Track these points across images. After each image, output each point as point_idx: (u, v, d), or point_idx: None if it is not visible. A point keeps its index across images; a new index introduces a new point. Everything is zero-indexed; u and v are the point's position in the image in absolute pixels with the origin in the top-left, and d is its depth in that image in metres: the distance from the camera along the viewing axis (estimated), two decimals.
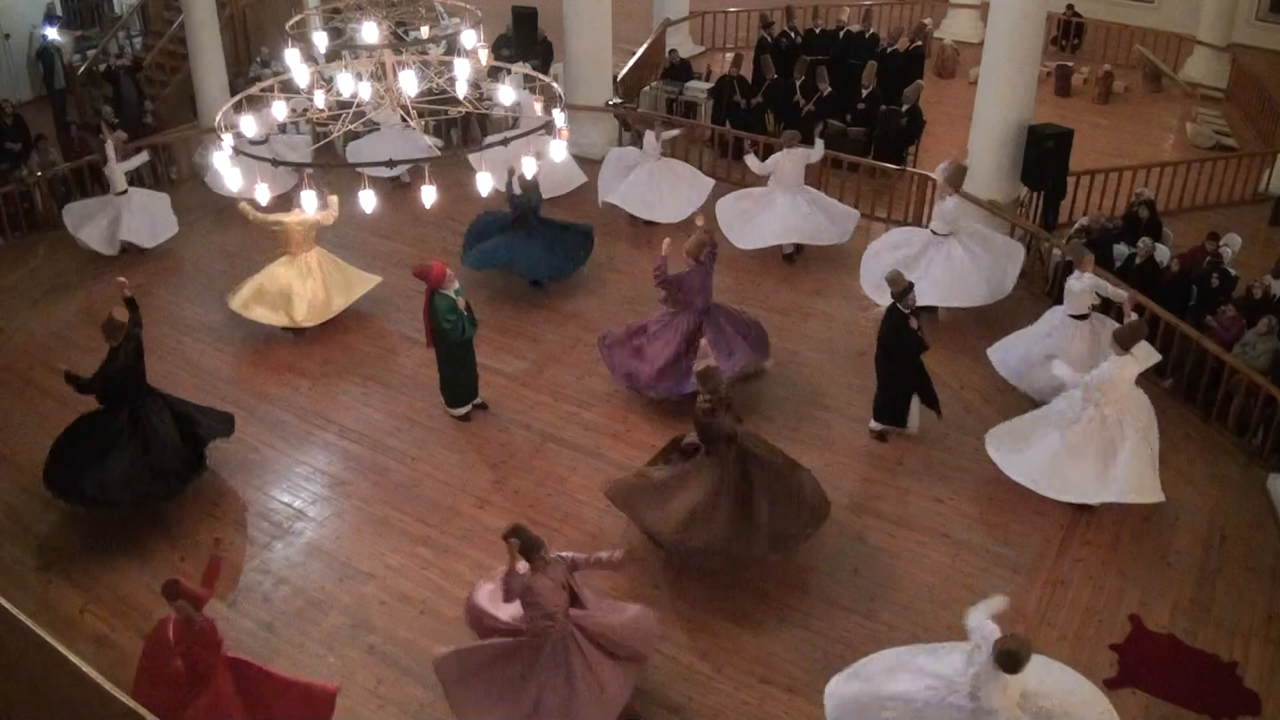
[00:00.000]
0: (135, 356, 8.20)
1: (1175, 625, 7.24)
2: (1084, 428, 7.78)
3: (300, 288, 10.23)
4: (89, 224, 11.64)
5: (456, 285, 8.83)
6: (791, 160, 11.33)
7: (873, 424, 9.07)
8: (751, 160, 11.56)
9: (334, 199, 10.25)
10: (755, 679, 6.84)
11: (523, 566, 6.02)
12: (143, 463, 7.95)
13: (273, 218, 10.03)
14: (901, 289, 8.46)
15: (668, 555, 7.64)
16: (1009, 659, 5.34)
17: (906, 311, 8.46)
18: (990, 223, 11.28)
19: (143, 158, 12.28)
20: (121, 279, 8.62)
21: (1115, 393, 7.71)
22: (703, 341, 8.97)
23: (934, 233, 10.32)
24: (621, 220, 12.36)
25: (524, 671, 6.05)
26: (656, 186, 11.98)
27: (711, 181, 12.26)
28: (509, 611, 6.38)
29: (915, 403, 8.89)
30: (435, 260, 9.05)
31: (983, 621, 5.60)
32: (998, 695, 5.42)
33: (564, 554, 6.27)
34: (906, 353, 8.60)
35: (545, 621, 6.02)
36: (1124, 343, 7.63)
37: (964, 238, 10.26)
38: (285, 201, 10.58)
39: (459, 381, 9.22)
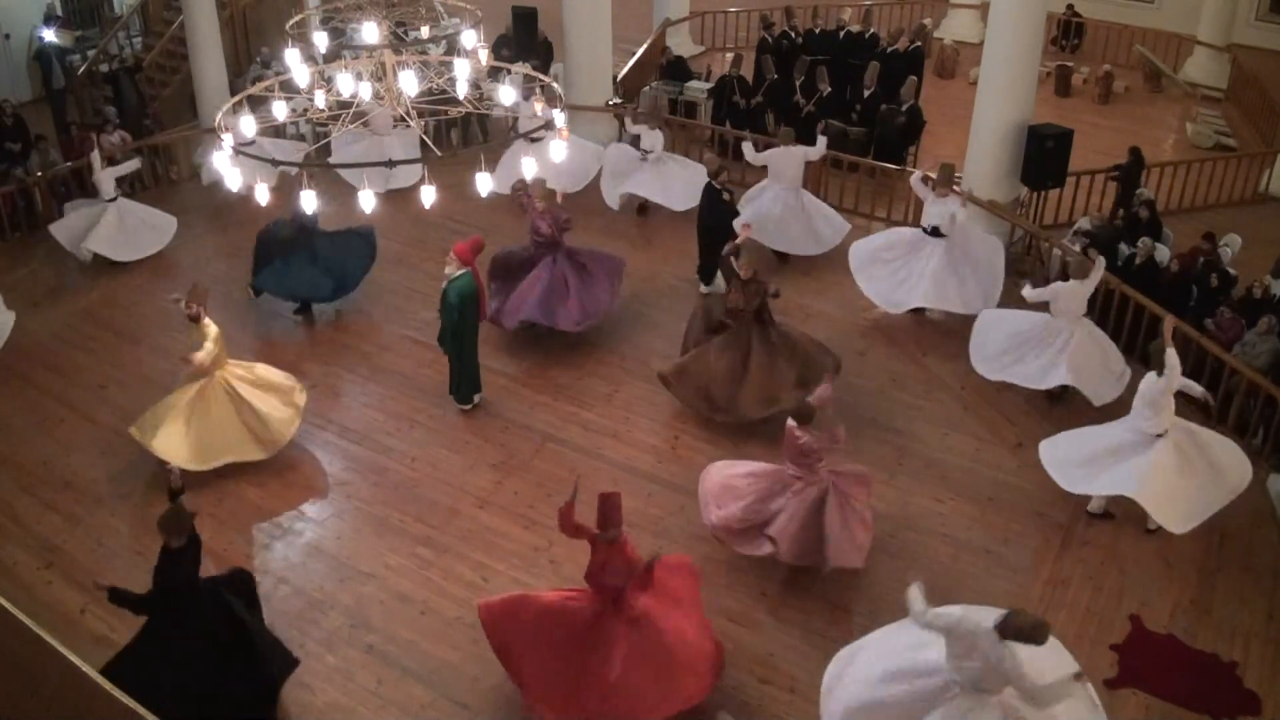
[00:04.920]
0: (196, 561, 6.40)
1: (1175, 625, 7.24)
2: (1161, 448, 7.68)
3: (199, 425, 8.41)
4: (69, 226, 11.55)
5: (448, 269, 8.94)
6: (789, 158, 11.34)
7: (704, 287, 10.82)
8: (748, 149, 11.66)
9: (211, 335, 8.33)
10: (755, 679, 6.84)
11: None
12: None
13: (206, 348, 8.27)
14: (715, 169, 10.58)
15: None
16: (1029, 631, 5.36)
17: (718, 188, 10.54)
18: (990, 223, 11.30)
19: (134, 164, 12.04)
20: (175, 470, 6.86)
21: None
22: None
23: (935, 233, 10.33)
24: (622, 221, 12.35)
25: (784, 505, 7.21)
26: (663, 176, 12.16)
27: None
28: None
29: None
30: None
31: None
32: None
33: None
34: (721, 221, 10.38)
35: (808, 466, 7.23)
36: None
37: (955, 245, 10.29)
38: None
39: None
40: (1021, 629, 5.34)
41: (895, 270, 10.36)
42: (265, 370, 8.87)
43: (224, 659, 6.25)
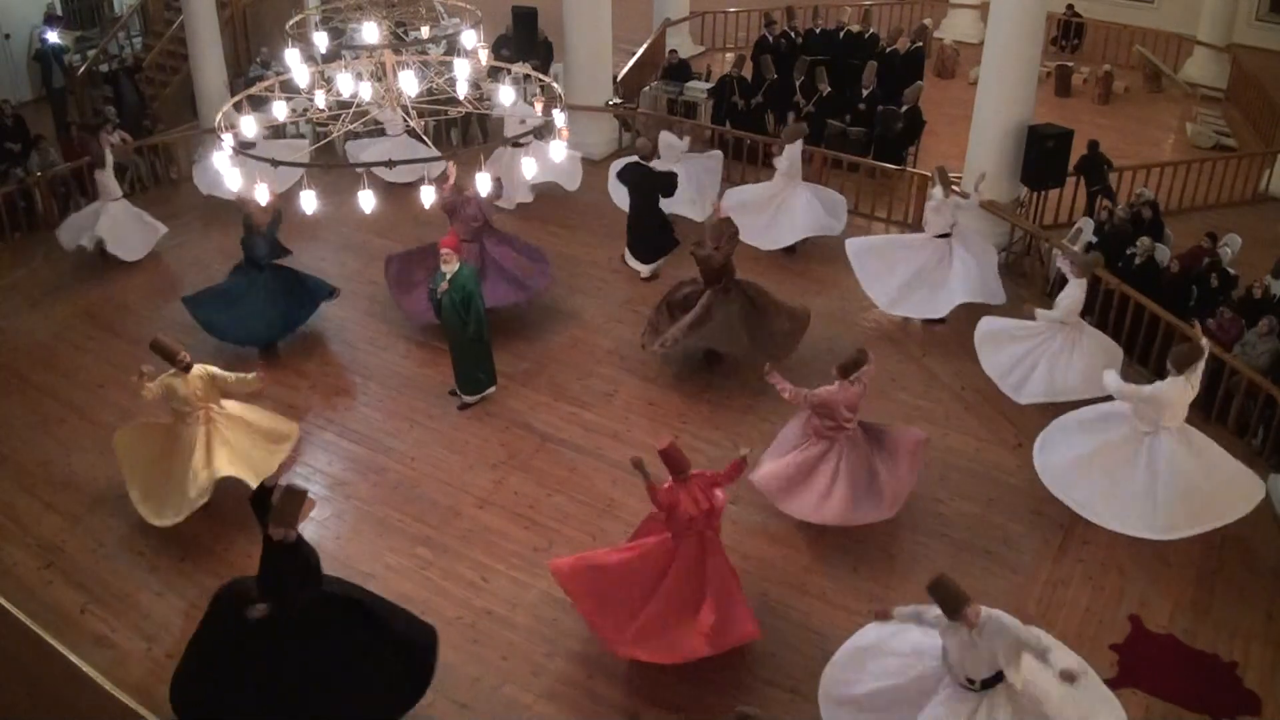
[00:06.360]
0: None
1: (1175, 625, 7.25)
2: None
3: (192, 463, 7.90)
4: (74, 231, 11.55)
5: (447, 267, 8.93)
6: (787, 155, 11.44)
7: (641, 267, 11.37)
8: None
9: (254, 375, 8.18)
10: (755, 679, 6.84)
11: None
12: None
13: (160, 383, 7.83)
14: (648, 151, 11.11)
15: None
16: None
17: (648, 165, 11.04)
18: (990, 223, 11.29)
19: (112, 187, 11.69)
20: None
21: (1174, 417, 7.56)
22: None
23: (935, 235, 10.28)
24: (621, 222, 12.34)
25: (831, 468, 7.63)
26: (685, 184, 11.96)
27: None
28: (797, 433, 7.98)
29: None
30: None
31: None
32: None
33: (864, 382, 7.72)
34: (650, 200, 11.04)
35: (834, 429, 7.65)
36: (1180, 365, 7.45)
37: (957, 241, 10.25)
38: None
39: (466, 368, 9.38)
40: (943, 591, 5.52)
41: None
42: (252, 423, 8.26)
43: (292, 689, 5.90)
